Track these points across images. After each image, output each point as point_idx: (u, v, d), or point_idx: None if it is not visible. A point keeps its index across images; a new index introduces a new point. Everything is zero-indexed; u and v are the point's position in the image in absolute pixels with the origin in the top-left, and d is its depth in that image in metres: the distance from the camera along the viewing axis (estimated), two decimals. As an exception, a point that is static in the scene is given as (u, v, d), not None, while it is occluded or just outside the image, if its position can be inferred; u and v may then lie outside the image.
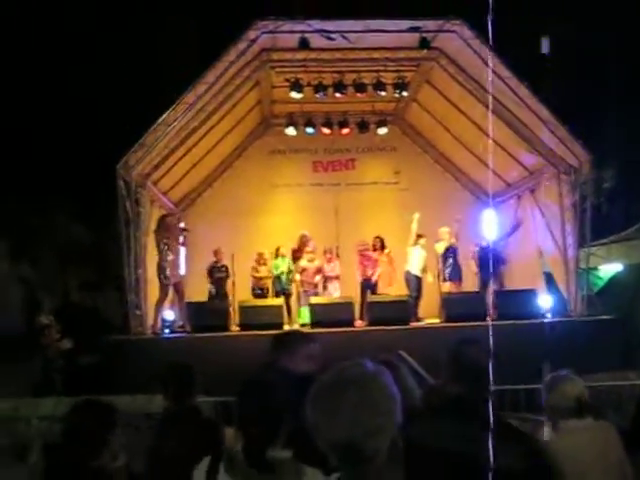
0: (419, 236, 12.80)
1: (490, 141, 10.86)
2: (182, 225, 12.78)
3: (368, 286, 12.83)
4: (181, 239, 12.10)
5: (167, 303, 12.11)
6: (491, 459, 2.01)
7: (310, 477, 2.26)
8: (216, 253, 13.21)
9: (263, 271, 13.25)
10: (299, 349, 3.94)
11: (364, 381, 1.64)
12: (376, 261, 12.97)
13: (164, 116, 11.28)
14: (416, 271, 12.74)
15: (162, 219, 11.86)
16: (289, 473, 2.33)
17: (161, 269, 11.37)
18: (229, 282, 13.10)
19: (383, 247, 13.05)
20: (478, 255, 13.17)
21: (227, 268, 13.12)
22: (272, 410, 2.45)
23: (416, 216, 12.77)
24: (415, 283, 12.69)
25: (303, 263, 12.92)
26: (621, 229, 13.31)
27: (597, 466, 3.37)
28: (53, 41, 15.31)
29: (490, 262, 13.12)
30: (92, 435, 2.85)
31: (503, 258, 13.59)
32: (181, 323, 12.00)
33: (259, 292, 13.09)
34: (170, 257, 11.43)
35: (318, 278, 12.93)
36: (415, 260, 12.78)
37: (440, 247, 13.01)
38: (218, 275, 13.13)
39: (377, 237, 13.12)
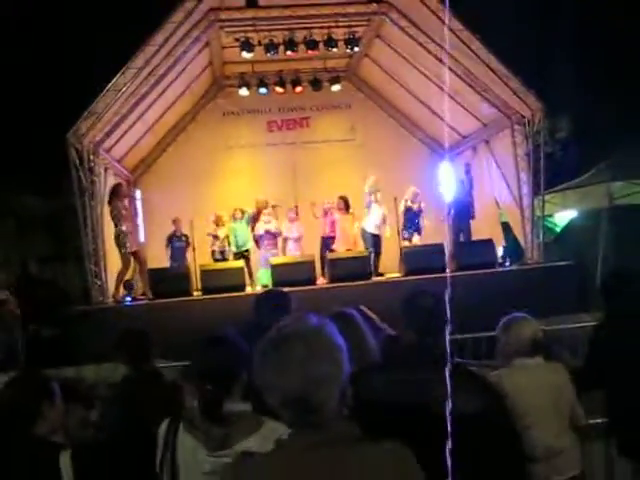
0: (372, 193, 12.75)
1: (445, 94, 10.90)
2: (136, 194, 12.59)
3: (328, 244, 12.89)
4: (134, 206, 11.92)
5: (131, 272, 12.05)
6: (444, 404, 2.07)
7: (271, 427, 2.29)
8: (175, 222, 13.08)
9: (221, 232, 13.17)
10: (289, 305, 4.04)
11: (309, 334, 1.66)
12: (334, 221, 13.01)
13: (113, 81, 11.06)
14: (371, 228, 12.75)
15: (114, 188, 11.69)
16: (249, 425, 2.37)
17: (119, 238, 11.26)
18: (189, 250, 13.04)
19: (347, 207, 13.02)
20: (450, 208, 13.18)
21: (187, 237, 13.04)
22: (227, 363, 2.48)
23: (371, 179, 12.70)
24: (371, 240, 12.71)
25: (260, 225, 12.89)
26: (575, 176, 13.53)
27: (547, 403, 3.49)
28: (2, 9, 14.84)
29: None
30: (24, 406, 2.86)
31: (473, 211, 13.65)
32: (142, 291, 11.94)
33: (219, 257, 13.04)
34: (126, 225, 11.31)
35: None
36: (370, 217, 12.77)
37: (405, 206, 13.04)
38: (178, 244, 13.03)
39: (341, 197, 13.06)
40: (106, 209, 11.60)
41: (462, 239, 13.06)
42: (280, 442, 1.69)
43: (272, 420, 2.28)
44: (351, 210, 13.02)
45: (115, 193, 11.44)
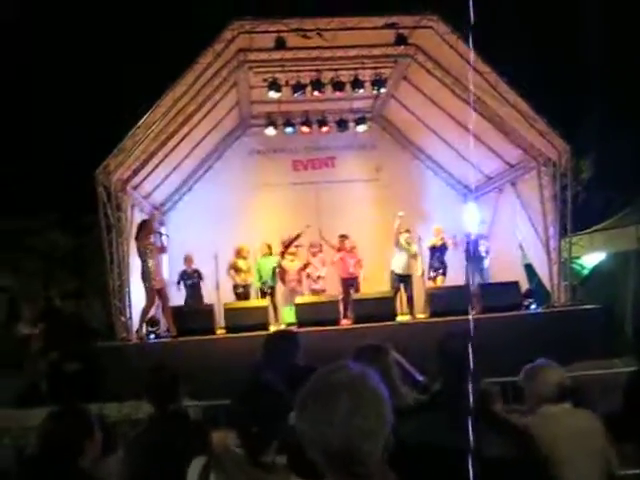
0: (401, 232, 12.75)
1: (471, 136, 10.91)
2: (161, 230, 12.62)
3: (350, 284, 12.83)
4: (160, 243, 11.94)
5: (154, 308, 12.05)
6: (475, 451, 2.01)
7: None
8: (186, 260, 13.07)
9: (243, 265, 13.16)
10: (299, 345, 4.00)
11: (354, 385, 1.61)
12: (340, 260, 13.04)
13: (142, 120, 11.21)
14: (397, 269, 12.72)
15: (142, 224, 11.77)
16: (282, 478, 2.32)
17: (145, 275, 11.28)
18: (204, 285, 13.05)
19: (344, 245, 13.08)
20: (466, 249, 13.19)
21: (199, 273, 13.02)
22: (275, 410, 2.45)
23: (397, 222, 12.70)
24: (395, 281, 12.69)
25: (285, 263, 12.89)
26: (602, 218, 13.40)
27: (577, 451, 3.39)
28: (28, 48, 15.19)
29: (476, 254, 13.15)
30: (71, 441, 2.87)
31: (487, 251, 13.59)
32: (166, 328, 11.92)
33: (241, 291, 13.01)
34: (152, 262, 11.34)
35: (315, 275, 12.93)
36: (396, 258, 12.76)
37: (428, 243, 13.07)
38: (190, 282, 13.02)
39: (341, 236, 13.20)
40: (132, 245, 11.67)
41: (480, 279, 12.98)
42: None
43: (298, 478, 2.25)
44: (350, 247, 12.99)
45: (143, 228, 11.50)
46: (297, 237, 13.14)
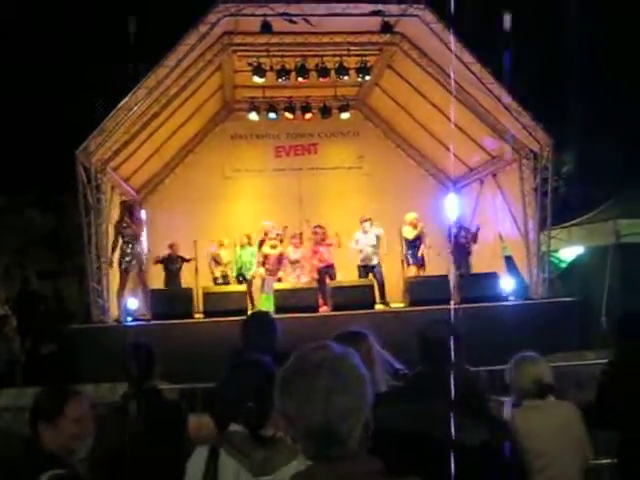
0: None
1: (452, 126, 10.93)
2: (142, 213, 12.52)
3: (325, 272, 12.77)
4: (135, 226, 11.84)
5: (129, 291, 11.98)
6: (448, 436, 2.02)
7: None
8: (171, 246, 13.00)
9: (224, 256, 13.16)
10: (276, 328, 4.00)
11: (334, 364, 1.60)
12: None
13: (124, 101, 11.10)
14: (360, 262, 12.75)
15: (122, 205, 11.70)
16: (289, 450, 2.33)
17: (121, 256, 11.24)
18: (184, 268, 13.01)
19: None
20: (454, 239, 13.15)
21: (181, 258, 12.98)
22: (266, 385, 2.45)
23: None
24: (362, 271, 12.73)
25: (266, 250, 12.85)
26: (581, 212, 13.50)
27: (557, 443, 3.42)
28: (13, 29, 15.00)
29: (459, 245, 13.18)
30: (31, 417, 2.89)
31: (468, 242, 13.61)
32: (144, 311, 11.87)
33: (220, 282, 13.01)
34: (130, 244, 11.28)
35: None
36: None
37: (408, 233, 12.94)
38: (171, 267, 12.96)
39: (319, 226, 12.99)
40: (111, 227, 11.59)
41: (462, 270, 13.01)
42: (299, 475, 1.63)
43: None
44: (328, 240, 12.92)
45: (122, 210, 11.45)
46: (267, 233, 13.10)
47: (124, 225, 11.34)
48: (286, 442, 2.37)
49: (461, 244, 13.14)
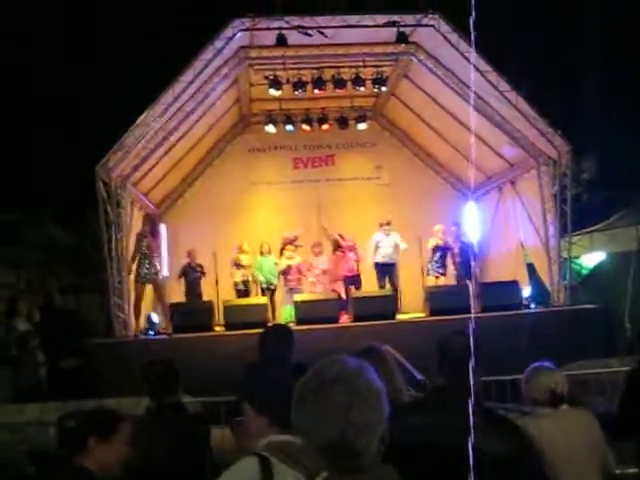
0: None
1: (472, 135, 10.90)
2: (161, 228, 12.59)
3: (351, 282, 12.83)
4: (159, 240, 11.96)
5: (149, 305, 12.06)
6: (472, 448, 2.01)
7: None
8: (190, 254, 13.07)
9: (245, 260, 13.15)
10: (293, 340, 4.01)
11: (349, 378, 1.62)
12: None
13: (142, 116, 11.21)
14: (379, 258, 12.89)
15: (145, 217, 11.83)
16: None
17: (138, 268, 11.33)
18: (206, 280, 13.05)
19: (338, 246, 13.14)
20: (459, 249, 13.21)
21: (202, 267, 13.03)
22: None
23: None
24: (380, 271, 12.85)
25: (285, 262, 12.89)
26: (602, 218, 13.39)
27: (575, 451, 3.40)
28: (32, 46, 15.20)
29: (470, 256, 13.19)
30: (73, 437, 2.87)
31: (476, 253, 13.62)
32: (164, 325, 11.94)
33: (242, 287, 13.01)
34: (148, 257, 11.36)
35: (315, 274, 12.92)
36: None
37: (431, 243, 13.06)
38: (192, 275, 13.00)
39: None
40: (131, 242, 11.69)
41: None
42: None
43: None
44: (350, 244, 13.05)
45: (149, 222, 11.58)
46: (288, 242, 13.17)
47: (144, 236, 11.44)
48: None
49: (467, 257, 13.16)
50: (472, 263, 13.25)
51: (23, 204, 14.68)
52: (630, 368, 4.19)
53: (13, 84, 14.76)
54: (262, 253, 13.11)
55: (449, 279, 13.29)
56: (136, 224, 12.25)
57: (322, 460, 1.61)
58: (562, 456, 3.30)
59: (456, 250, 13.22)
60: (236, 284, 13.09)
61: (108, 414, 3.02)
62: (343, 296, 12.48)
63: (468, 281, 12.78)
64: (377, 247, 12.82)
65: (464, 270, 13.08)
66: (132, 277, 11.50)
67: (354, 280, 12.87)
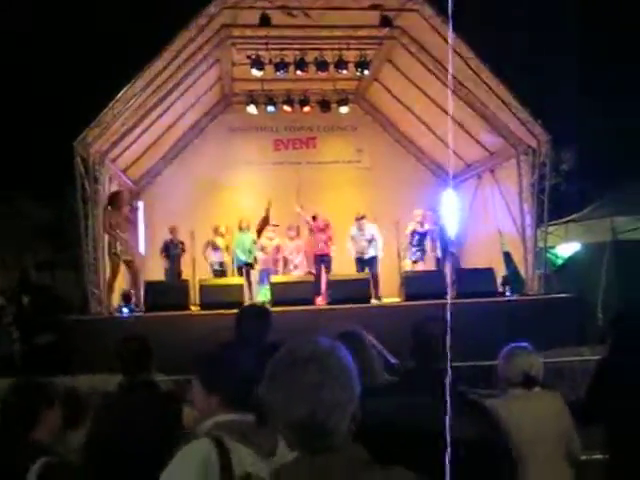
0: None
1: (450, 121, 10.91)
2: (133, 203, 12.46)
3: (321, 260, 12.83)
4: (131, 215, 11.85)
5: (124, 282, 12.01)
6: (440, 430, 2.03)
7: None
8: (172, 230, 13.09)
9: (220, 242, 13.10)
10: (270, 320, 4.01)
11: (321, 357, 1.63)
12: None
13: (122, 92, 11.07)
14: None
15: (113, 195, 11.68)
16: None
17: (110, 246, 11.24)
18: (184, 259, 13.03)
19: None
20: (438, 235, 13.29)
21: (183, 244, 13.02)
22: (245, 378, 2.42)
23: None
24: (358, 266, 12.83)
25: (263, 241, 12.87)
26: (579, 209, 13.52)
27: (542, 433, 3.45)
28: (10, 21, 14.97)
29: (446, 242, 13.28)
30: (25, 412, 2.89)
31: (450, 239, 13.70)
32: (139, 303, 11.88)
33: (218, 268, 12.97)
34: (120, 233, 11.27)
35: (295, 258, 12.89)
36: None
37: (409, 228, 13.09)
38: (174, 252, 12.99)
39: (314, 217, 13.21)
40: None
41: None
42: (286, 467, 1.64)
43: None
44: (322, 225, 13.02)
45: (115, 200, 11.43)
46: (266, 217, 13.14)
47: (111, 214, 11.30)
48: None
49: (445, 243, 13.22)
50: (450, 249, 13.34)
51: (4, 180, 14.51)
52: (600, 357, 4.25)
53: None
54: (241, 229, 13.02)
55: (428, 264, 13.34)
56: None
57: (292, 439, 1.62)
58: (530, 439, 3.35)
59: (434, 235, 13.28)
60: (212, 264, 13.05)
61: (46, 385, 3.07)
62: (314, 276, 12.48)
63: (448, 266, 12.86)
64: (352, 241, 12.80)
65: (443, 256, 13.17)
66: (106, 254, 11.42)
67: (323, 260, 12.84)
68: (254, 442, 2.26)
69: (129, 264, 11.57)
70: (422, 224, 13.07)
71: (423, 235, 13.12)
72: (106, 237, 11.30)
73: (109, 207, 11.35)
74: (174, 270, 12.94)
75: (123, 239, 11.27)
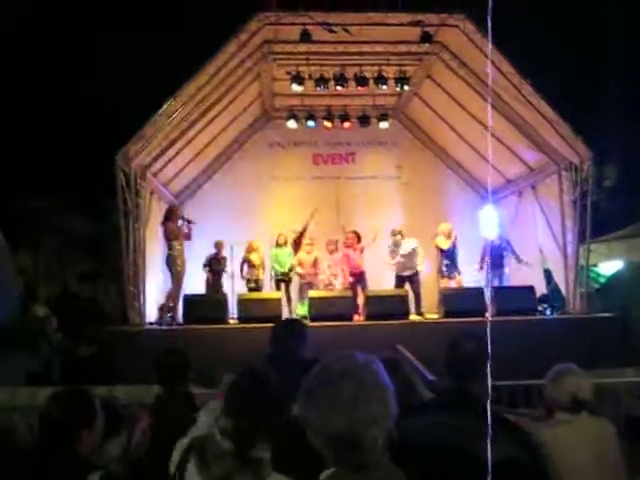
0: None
1: (490, 136, 10.84)
2: (187, 217, 12.57)
3: (355, 278, 12.73)
4: (186, 229, 11.99)
5: (164, 294, 12.12)
6: (479, 451, 2.00)
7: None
8: (217, 245, 13.13)
9: (255, 259, 13.09)
10: (306, 335, 3.99)
11: (358, 372, 1.63)
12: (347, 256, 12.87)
13: (164, 107, 11.23)
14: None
15: (170, 209, 11.88)
16: (259, 473, 2.27)
17: (172, 259, 11.38)
18: (225, 275, 13.11)
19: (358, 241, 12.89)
20: (489, 252, 12.96)
21: (225, 260, 13.09)
22: (270, 404, 2.41)
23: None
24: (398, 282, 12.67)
25: (300, 255, 12.88)
26: (621, 226, 13.29)
27: (589, 461, 3.34)
28: (52, 36, 15.30)
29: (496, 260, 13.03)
30: (68, 424, 2.82)
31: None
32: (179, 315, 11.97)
33: (253, 285, 12.96)
34: (178, 246, 11.43)
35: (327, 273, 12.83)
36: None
37: (442, 243, 12.75)
38: (217, 267, 13.06)
39: (353, 232, 13.05)
40: (150, 231, 11.75)
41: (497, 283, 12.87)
42: None
43: (278, 474, 2.23)
44: (360, 245, 12.88)
45: (171, 213, 11.64)
46: (303, 232, 13.16)
47: (172, 228, 11.50)
48: (263, 466, 2.27)
49: (498, 258, 12.89)
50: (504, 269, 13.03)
51: (44, 191, 14.80)
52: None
53: (37, 71, 14.88)
54: (278, 244, 13.06)
55: (468, 279, 13.09)
56: (153, 214, 12.32)
57: (329, 455, 1.61)
58: (574, 467, 3.25)
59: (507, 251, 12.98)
60: (248, 281, 13.07)
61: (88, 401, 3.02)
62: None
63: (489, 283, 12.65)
64: (390, 256, 12.64)
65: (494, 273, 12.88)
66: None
67: (359, 280, 12.72)
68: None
69: (175, 276, 11.71)
70: (449, 237, 12.74)
71: (453, 250, 12.84)
72: (160, 250, 11.48)
73: (168, 221, 11.53)
74: (216, 285, 12.99)
75: (181, 251, 11.44)
